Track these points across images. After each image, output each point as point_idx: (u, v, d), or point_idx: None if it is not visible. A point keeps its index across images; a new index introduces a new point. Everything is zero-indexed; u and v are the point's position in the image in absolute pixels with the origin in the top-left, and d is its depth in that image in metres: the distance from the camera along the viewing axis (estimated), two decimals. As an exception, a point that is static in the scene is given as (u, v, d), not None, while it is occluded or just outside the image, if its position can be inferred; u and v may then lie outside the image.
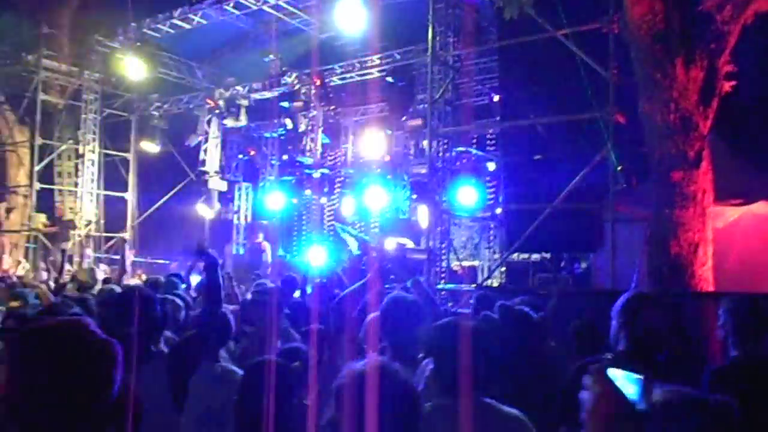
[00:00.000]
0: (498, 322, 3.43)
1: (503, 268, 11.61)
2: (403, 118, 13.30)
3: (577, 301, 6.44)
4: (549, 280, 9.97)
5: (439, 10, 10.39)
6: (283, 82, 13.60)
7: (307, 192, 16.01)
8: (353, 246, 10.58)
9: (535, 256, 11.86)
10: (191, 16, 12.73)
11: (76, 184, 15.42)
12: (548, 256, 11.38)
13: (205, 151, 15.58)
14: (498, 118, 12.15)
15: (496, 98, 12.71)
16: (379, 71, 13.06)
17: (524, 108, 8.65)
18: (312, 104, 13.56)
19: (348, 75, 13.47)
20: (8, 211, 15.24)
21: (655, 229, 6.49)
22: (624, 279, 7.19)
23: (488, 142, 14.92)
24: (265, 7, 12.07)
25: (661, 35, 6.19)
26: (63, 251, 5.98)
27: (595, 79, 7.82)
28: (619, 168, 7.51)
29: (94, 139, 15.44)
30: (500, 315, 3.35)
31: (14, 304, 4.50)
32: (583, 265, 11.14)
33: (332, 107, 14.03)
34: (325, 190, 14.52)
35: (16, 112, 15.16)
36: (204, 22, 12.88)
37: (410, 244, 12.07)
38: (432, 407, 2.03)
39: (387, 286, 5.60)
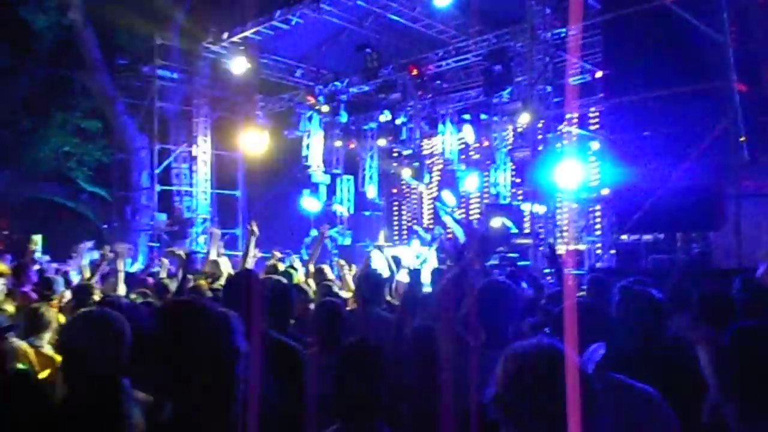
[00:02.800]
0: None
1: (612, 251, 11.21)
2: (496, 99, 13.06)
3: (699, 282, 6.13)
4: (664, 262, 9.52)
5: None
6: (380, 74, 13.79)
7: (407, 181, 16.19)
8: (457, 230, 10.59)
9: (647, 237, 11.35)
10: (290, 17, 13.16)
11: (191, 185, 16.43)
12: (661, 236, 10.87)
13: (308, 146, 16.12)
14: (602, 95, 11.69)
15: (598, 74, 12.24)
16: (476, 56, 12.92)
17: (631, 82, 8.26)
18: (409, 94, 13.67)
19: (444, 62, 13.43)
20: (133, 212, 16.50)
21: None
22: (750, 258, 6.76)
23: (590, 120, 14.42)
24: (359, 2, 12.27)
25: (786, -6, 5.75)
26: (172, 251, 6.23)
27: (710, 47, 7.36)
28: (742, 139, 7.04)
29: (205, 141, 16.38)
30: (621, 297, 3.28)
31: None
32: (701, 244, 10.55)
33: (430, 96, 14.07)
34: (425, 179, 14.59)
35: (136, 120, 16.35)
36: (301, 21, 13.28)
37: (514, 229, 11.94)
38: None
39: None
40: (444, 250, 5.47)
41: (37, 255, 9.83)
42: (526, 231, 11.88)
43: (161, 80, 15.56)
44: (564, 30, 10.73)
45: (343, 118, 15.28)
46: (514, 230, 11.84)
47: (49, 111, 17.90)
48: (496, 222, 11.43)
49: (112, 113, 16.46)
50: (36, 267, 7.39)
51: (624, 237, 10.69)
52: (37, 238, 10.28)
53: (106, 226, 17.09)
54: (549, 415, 1.41)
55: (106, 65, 16.03)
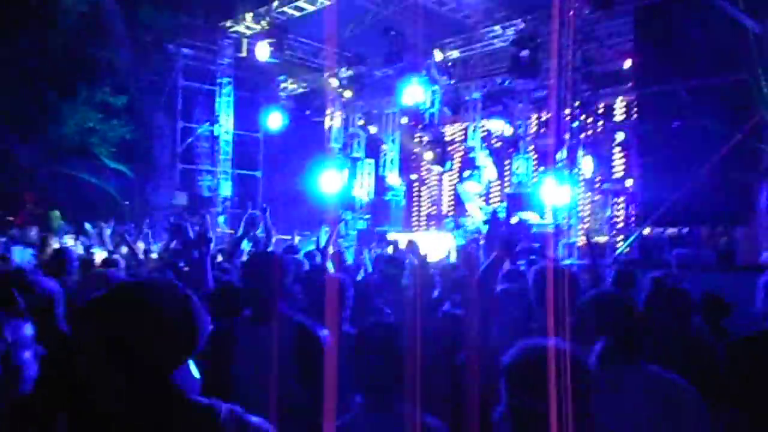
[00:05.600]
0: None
1: (634, 243, 11.05)
2: (521, 86, 12.85)
3: (722, 279, 6.03)
4: (688, 257, 9.37)
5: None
6: (404, 58, 13.65)
7: (428, 167, 16.09)
8: (479, 216, 10.56)
9: (671, 230, 11.20)
10: (315, -2, 13.07)
11: (213, 164, 16.49)
12: (686, 229, 10.70)
13: (329, 129, 16.07)
14: (631, 84, 11.49)
15: (627, 64, 12.01)
16: (503, 41, 12.73)
17: (662, 72, 8.10)
18: (433, 79, 13.53)
19: (470, 47, 13.26)
20: (154, 190, 16.63)
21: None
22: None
23: (615, 110, 14.18)
24: (385, -17, 12.15)
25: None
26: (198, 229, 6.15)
27: (744, 38, 7.16)
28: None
29: (227, 121, 16.40)
30: (653, 289, 3.23)
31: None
32: (726, 239, 10.38)
33: (454, 81, 13.92)
34: (448, 165, 14.48)
35: (159, 98, 16.41)
36: (326, 2, 13.18)
37: (536, 218, 11.82)
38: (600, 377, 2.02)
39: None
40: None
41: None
42: (548, 221, 11.77)
43: (185, 58, 15.58)
44: (593, 16, 10.53)
45: (366, 101, 15.19)
46: (536, 219, 11.72)
47: (74, 87, 18.01)
48: (515, 220, 11.33)
49: (136, 90, 16.54)
50: (55, 242, 7.48)
51: (648, 230, 10.54)
52: (56, 214, 10.40)
53: (127, 202, 17.22)
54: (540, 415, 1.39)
55: (130, 42, 16.07)
